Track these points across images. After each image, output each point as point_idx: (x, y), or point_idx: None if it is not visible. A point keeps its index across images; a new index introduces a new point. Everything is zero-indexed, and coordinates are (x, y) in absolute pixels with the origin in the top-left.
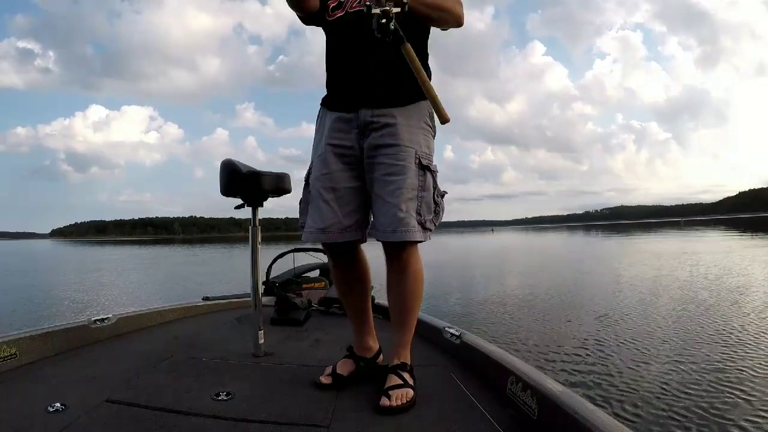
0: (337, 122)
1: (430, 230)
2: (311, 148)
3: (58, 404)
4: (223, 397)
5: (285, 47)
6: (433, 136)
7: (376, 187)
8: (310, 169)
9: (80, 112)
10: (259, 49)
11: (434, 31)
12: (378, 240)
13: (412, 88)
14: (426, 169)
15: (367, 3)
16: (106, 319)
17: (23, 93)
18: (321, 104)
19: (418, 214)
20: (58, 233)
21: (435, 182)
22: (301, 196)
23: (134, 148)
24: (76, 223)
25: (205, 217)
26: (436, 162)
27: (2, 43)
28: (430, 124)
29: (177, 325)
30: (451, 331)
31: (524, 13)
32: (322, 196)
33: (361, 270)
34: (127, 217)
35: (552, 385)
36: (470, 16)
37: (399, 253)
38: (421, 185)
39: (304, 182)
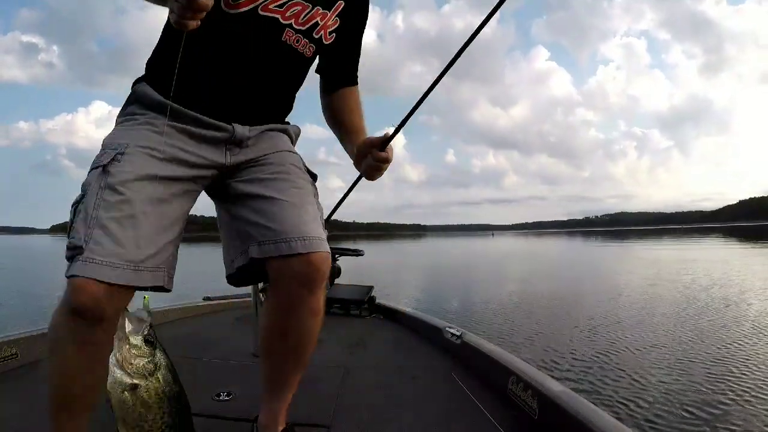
0: (193, 129)
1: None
2: (312, 148)
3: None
4: (223, 397)
5: None
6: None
7: (260, 189)
8: (104, 164)
9: (83, 107)
10: None
11: (442, 33)
12: (279, 254)
13: (284, 110)
14: (312, 175)
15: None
16: None
17: (26, 87)
18: (138, 97)
19: (323, 227)
20: (58, 229)
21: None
22: (80, 198)
23: None
24: None
25: (206, 216)
26: (438, 165)
27: (6, 37)
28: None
29: (177, 325)
30: (452, 331)
31: (530, 17)
32: (142, 210)
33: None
34: None
35: (553, 386)
36: (476, 20)
37: (311, 274)
38: (315, 192)
39: (97, 174)
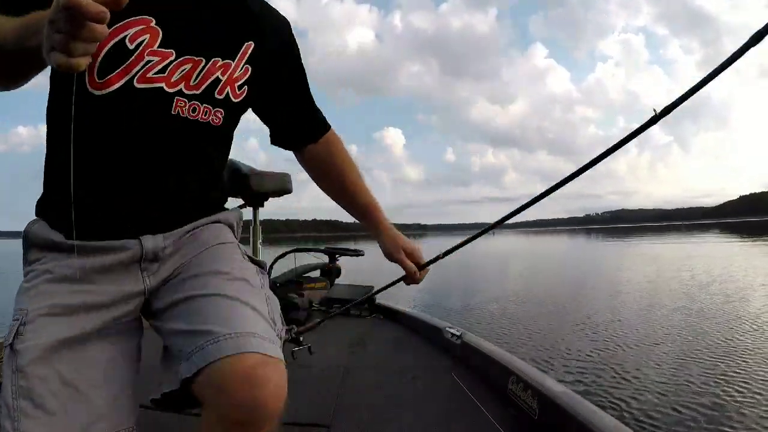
0: (94, 260)
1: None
2: None
3: None
4: None
5: None
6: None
7: (184, 292)
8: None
9: None
10: None
11: (439, 32)
12: (205, 364)
13: (209, 198)
14: (258, 265)
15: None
16: None
17: (25, 92)
18: (28, 241)
19: (273, 321)
20: None
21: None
22: None
23: None
24: None
25: None
26: (438, 164)
27: None
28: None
29: None
30: (452, 331)
31: (527, 14)
32: (68, 382)
33: None
34: None
35: (553, 385)
36: (473, 18)
37: (249, 401)
38: (261, 283)
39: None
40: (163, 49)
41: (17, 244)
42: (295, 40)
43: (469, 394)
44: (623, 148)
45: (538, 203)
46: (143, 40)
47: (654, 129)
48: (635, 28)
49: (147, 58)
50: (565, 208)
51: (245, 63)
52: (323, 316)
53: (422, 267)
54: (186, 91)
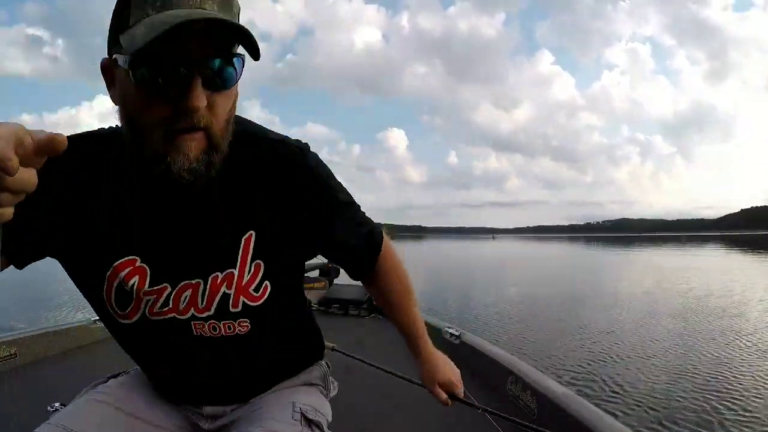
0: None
1: None
2: (313, 148)
3: (57, 404)
4: None
5: (293, 46)
6: (326, 396)
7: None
8: None
9: (87, 102)
10: (268, 46)
11: (446, 35)
12: None
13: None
14: (314, 425)
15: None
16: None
17: (30, 80)
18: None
19: None
20: None
21: None
22: None
23: None
24: None
25: None
26: (440, 167)
27: (12, 30)
28: (321, 385)
29: None
30: (451, 331)
31: (534, 20)
32: None
33: None
34: None
35: (551, 385)
36: (481, 22)
37: None
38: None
39: None
40: (156, 287)
41: None
42: (312, 172)
43: (467, 393)
44: (625, 156)
45: (539, 208)
46: (134, 282)
47: (657, 139)
48: (642, 37)
49: (145, 298)
50: (566, 216)
51: (252, 260)
52: (322, 316)
53: (453, 399)
54: (198, 315)
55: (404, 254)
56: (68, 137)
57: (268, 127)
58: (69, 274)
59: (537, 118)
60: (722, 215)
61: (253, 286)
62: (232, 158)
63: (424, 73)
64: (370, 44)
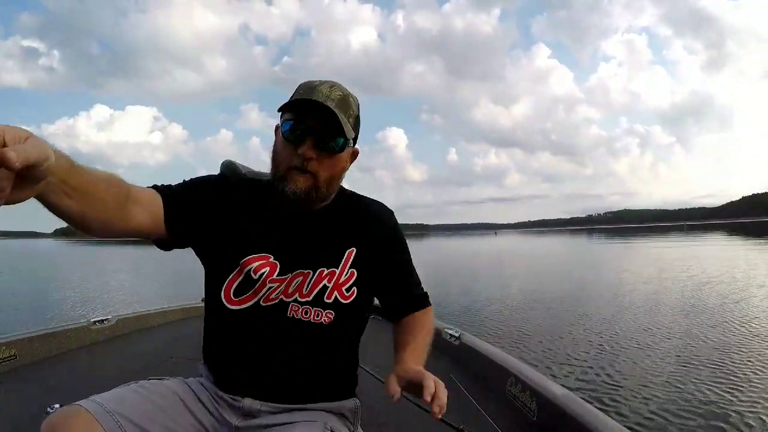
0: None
1: None
2: None
3: (57, 405)
4: None
5: (290, 48)
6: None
7: None
8: None
9: (84, 111)
10: (265, 49)
11: (443, 32)
12: None
13: (321, 388)
14: None
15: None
16: (105, 320)
17: (27, 92)
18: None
19: None
20: (61, 233)
21: None
22: None
23: (138, 148)
24: None
25: None
26: (440, 165)
27: (7, 42)
28: (350, 419)
29: (177, 326)
30: (451, 331)
31: (530, 15)
32: None
33: None
34: None
35: (551, 387)
36: (477, 19)
37: None
38: None
39: None
40: (281, 277)
41: (18, 244)
42: (395, 229)
43: (467, 394)
44: (624, 147)
45: (540, 202)
46: (264, 272)
47: (656, 129)
48: (639, 28)
49: (269, 285)
50: (567, 209)
51: (350, 267)
52: None
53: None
54: (300, 299)
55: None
56: (239, 174)
57: (266, 131)
58: (204, 262)
59: (535, 113)
60: (723, 203)
61: (346, 286)
62: (343, 202)
63: (421, 72)
64: (366, 44)
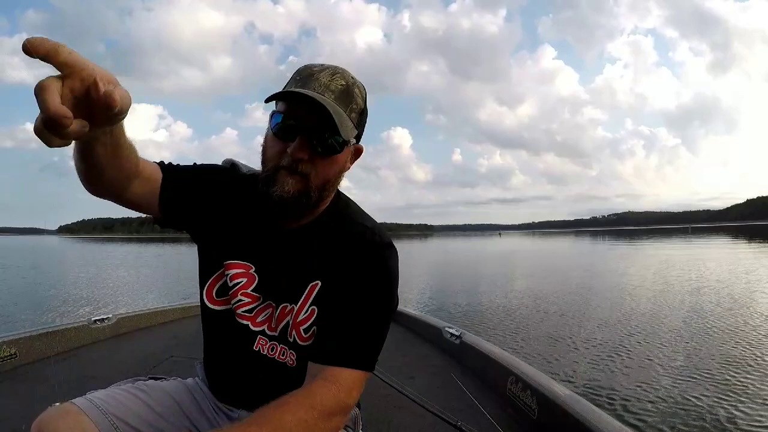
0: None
1: None
2: None
3: (57, 404)
4: None
5: (296, 47)
6: None
7: None
8: None
9: None
10: (270, 48)
11: (449, 33)
12: None
13: None
14: None
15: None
16: (106, 319)
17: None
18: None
19: None
20: (65, 230)
21: None
22: None
23: (143, 146)
24: (83, 219)
25: None
26: (445, 165)
27: (14, 39)
28: (351, 427)
29: (177, 325)
30: (451, 331)
31: (536, 15)
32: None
33: None
34: (134, 215)
35: (552, 385)
36: (482, 19)
37: None
38: None
39: None
40: (253, 293)
41: (23, 240)
42: (377, 266)
43: (468, 393)
44: (630, 149)
45: (545, 204)
46: (240, 282)
47: (662, 131)
48: (644, 30)
49: (240, 298)
50: (571, 211)
51: (310, 304)
52: None
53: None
54: (268, 332)
55: (409, 253)
56: (240, 173)
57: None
58: (198, 254)
59: (541, 114)
60: (728, 206)
61: (305, 326)
62: (331, 223)
63: (427, 72)
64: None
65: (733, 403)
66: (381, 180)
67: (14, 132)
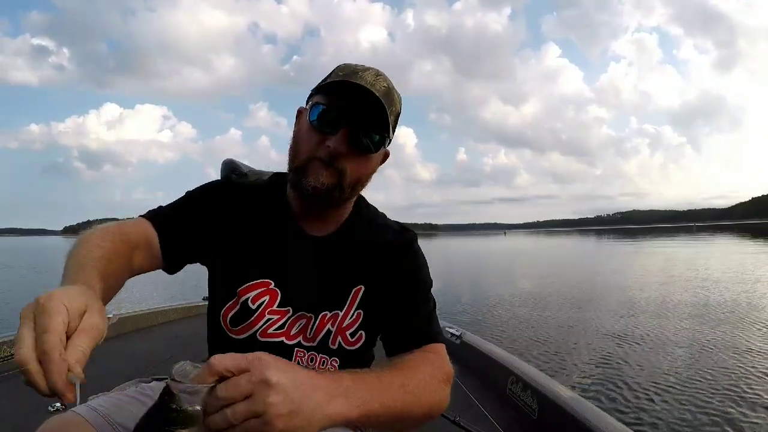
0: None
1: None
2: None
3: (58, 404)
4: None
5: (300, 47)
6: None
7: None
8: None
9: (94, 110)
10: (274, 48)
11: (453, 31)
12: None
13: None
14: None
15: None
16: (107, 318)
17: (37, 90)
18: None
19: None
20: (70, 230)
21: None
22: None
23: (147, 146)
24: (88, 220)
25: None
26: (449, 164)
27: (17, 40)
28: None
29: (177, 325)
30: (452, 330)
31: (540, 14)
32: None
33: None
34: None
35: (552, 385)
36: (486, 17)
37: None
38: None
39: None
40: (281, 308)
41: (27, 241)
42: (413, 260)
43: (468, 393)
44: (634, 148)
45: (549, 203)
46: (264, 301)
47: (666, 130)
48: (649, 28)
49: (267, 317)
50: (576, 209)
51: (356, 308)
52: None
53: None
54: (304, 343)
55: None
56: (239, 183)
57: (275, 130)
58: (209, 284)
59: (545, 112)
60: (733, 204)
61: (351, 330)
62: (357, 227)
63: (430, 71)
64: (375, 43)
65: (735, 403)
66: (385, 179)
67: (18, 133)
